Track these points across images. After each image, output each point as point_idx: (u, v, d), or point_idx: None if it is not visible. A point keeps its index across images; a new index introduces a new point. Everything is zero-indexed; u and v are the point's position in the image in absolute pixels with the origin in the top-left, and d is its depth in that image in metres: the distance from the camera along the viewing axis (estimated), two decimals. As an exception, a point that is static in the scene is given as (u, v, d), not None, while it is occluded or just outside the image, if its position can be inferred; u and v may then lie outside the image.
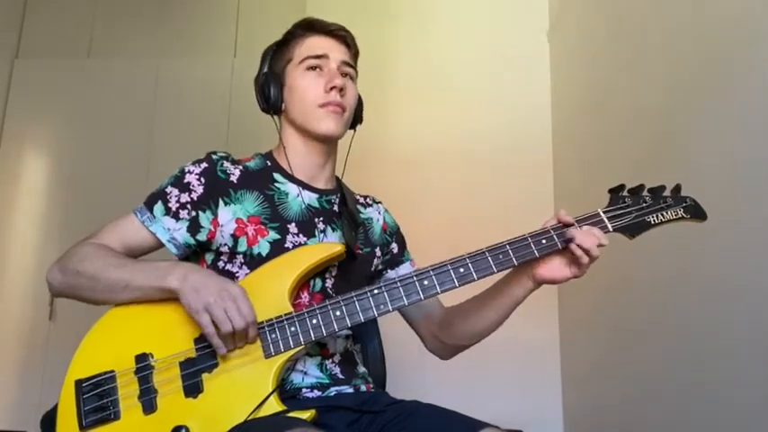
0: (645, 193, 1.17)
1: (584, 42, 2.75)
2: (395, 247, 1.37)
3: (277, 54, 1.30)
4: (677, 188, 1.17)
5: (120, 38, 3.36)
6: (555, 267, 1.13)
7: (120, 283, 1.09)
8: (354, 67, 1.30)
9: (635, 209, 1.14)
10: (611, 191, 1.17)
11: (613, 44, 2.43)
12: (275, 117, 1.30)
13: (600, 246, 1.09)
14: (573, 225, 1.12)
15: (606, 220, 1.13)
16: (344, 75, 1.26)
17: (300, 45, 1.26)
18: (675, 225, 1.16)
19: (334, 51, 1.25)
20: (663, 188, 1.17)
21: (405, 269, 1.36)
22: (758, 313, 1.45)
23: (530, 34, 3.17)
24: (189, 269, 1.08)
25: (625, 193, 1.16)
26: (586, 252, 1.08)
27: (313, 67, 1.24)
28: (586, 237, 1.09)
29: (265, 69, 1.29)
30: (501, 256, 1.10)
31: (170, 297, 1.07)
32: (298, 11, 3.14)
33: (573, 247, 1.09)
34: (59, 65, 3.33)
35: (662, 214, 1.15)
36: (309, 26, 1.28)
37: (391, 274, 1.35)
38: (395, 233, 1.39)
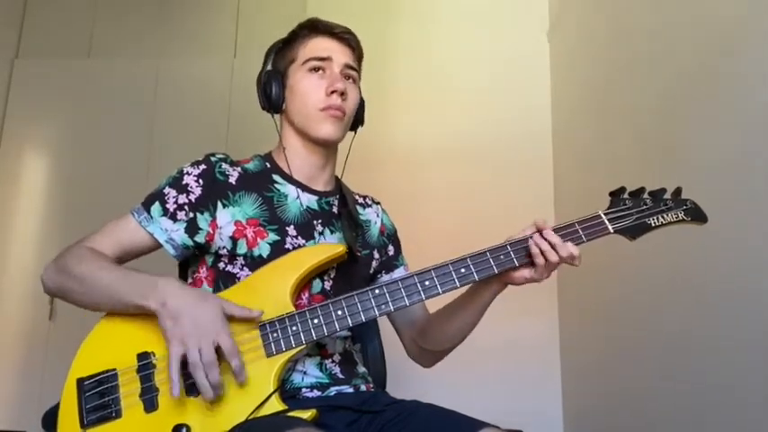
0: (645, 195, 1.17)
1: (584, 42, 2.75)
2: (391, 249, 1.37)
3: (281, 53, 1.29)
4: (678, 191, 1.18)
5: (120, 38, 3.36)
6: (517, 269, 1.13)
7: (105, 294, 1.08)
8: (358, 70, 1.29)
9: (636, 211, 1.15)
10: (611, 194, 1.17)
11: (613, 44, 2.43)
12: (275, 116, 1.29)
13: (564, 255, 1.09)
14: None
15: (607, 222, 1.13)
16: (347, 78, 1.25)
17: (304, 46, 1.25)
18: (675, 225, 1.16)
19: (338, 54, 1.24)
20: (663, 191, 1.17)
21: (398, 274, 1.35)
22: (758, 312, 1.45)
23: (530, 34, 3.17)
24: (169, 293, 1.04)
25: (626, 196, 1.17)
26: (542, 253, 1.09)
27: (316, 69, 1.23)
28: (544, 242, 1.09)
29: (268, 67, 1.29)
30: (502, 257, 1.11)
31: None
32: (298, 11, 3.14)
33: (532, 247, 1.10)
34: (59, 65, 3.33)
35: (662, 216, 1.15)
36: (314, 27, 1.27)
37: (385, 278, 1.34)
38: (392, 235, 1.39)
